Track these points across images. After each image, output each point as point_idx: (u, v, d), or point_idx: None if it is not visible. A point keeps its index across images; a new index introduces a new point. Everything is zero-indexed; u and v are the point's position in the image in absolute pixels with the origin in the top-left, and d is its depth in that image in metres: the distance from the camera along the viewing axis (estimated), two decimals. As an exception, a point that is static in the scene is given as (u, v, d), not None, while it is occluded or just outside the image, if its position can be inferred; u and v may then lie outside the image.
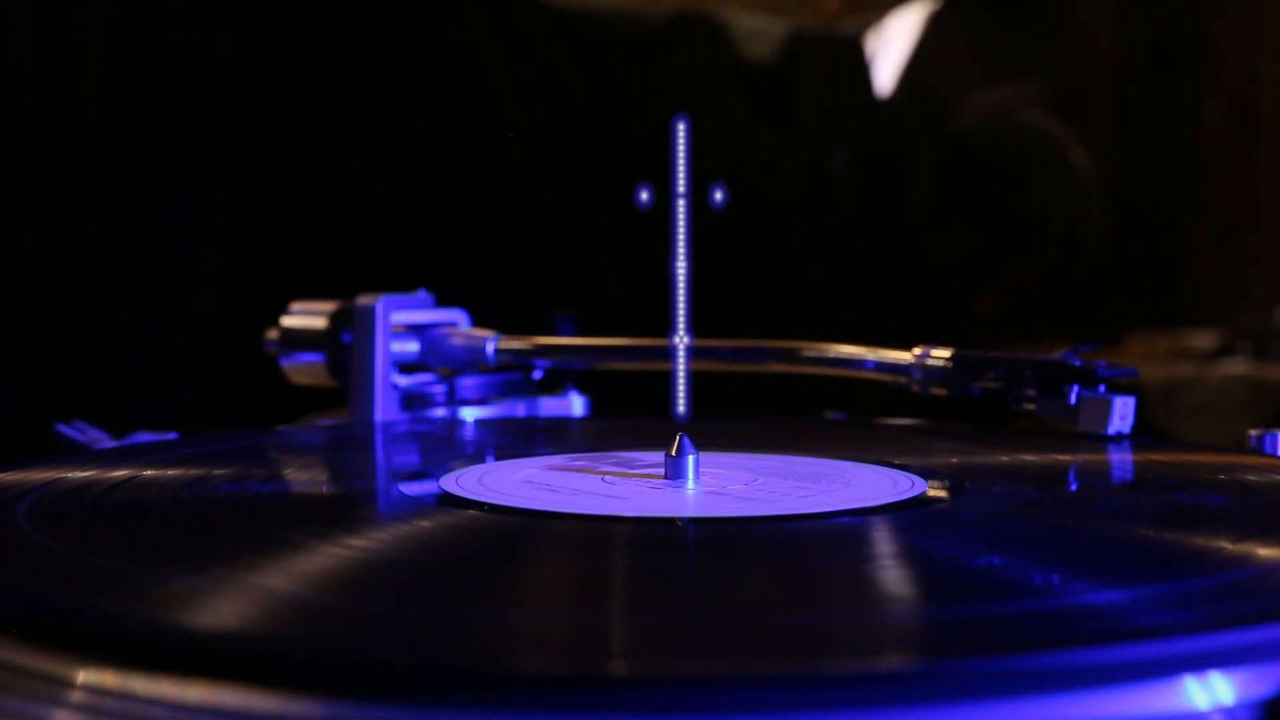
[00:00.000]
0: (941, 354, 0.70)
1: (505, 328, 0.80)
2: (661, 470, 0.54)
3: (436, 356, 0.80)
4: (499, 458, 0.60)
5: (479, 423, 0.77)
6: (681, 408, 0.55)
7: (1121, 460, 0.62)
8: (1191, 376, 1.50)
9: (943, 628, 0.34)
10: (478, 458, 0.61)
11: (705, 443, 0.55)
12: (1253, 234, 1.76)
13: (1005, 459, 0.61)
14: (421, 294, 0.80)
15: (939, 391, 0.70)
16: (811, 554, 0.43)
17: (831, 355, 0.74)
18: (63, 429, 0.69)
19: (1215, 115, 1.77)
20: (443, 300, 0.81)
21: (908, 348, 0.72)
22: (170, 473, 0.55)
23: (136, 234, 1.16)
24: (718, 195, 0.53)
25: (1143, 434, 0.67)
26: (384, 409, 0.75)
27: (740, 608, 0.37)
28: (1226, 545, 0.42)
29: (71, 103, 1.13)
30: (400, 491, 0.53)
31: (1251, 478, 0.55)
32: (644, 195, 0.53)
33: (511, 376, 0.81)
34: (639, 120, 1.29)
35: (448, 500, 0.50)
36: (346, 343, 0.77)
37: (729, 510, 0.48)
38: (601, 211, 1.39)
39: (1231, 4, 1.79)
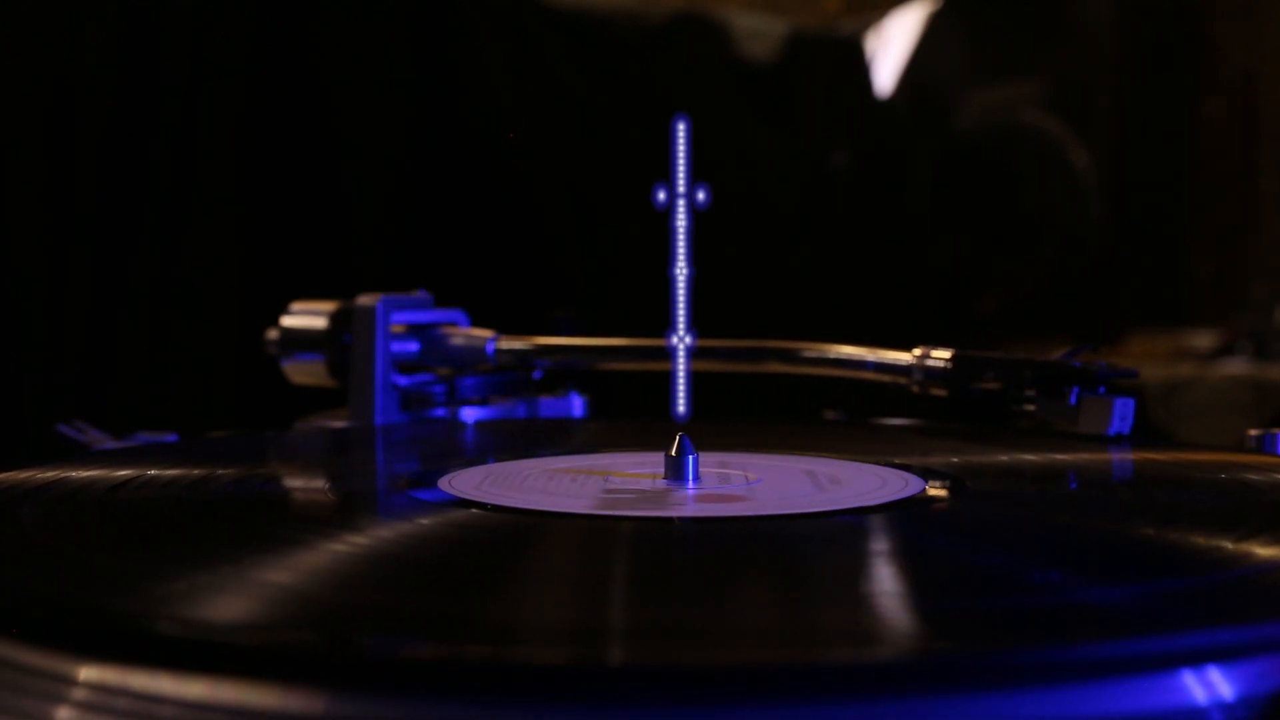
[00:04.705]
0: (941, 354, 0.70)
1: (505, 328, 0.80)
2: (661, 470, 0.54)
3: (436, 356, 0.80)
4: (499, 458, 0.60)
5: (479, 424, 0.77)
6: (681, 408, 0.55)
7: (1121, 460, 0.62)
8: (1191, 376, 1.50)
9: (942, 623, 0.34)
10: (479, 458, 0.61)
11: (705, 443, 0.55)
12: (1253, 234, 1.76)
13: (1005, 459, 0.61)
14: (421, 294, 0.80)
15: (939, 392, 0.70)
16: (811, 553, 0.43)
17: (831, 355, 0.74)
18: (63, 429, 0.69)
19: (1215, 115, 1.77)
20: (443, 300, 0.81)
21: (908, 348, 0.72)
22: (172, 472, 0.55)
23: (136, 234, 1.16)
24: (700, 195, 0.53)
25: (1143, 434, 0.67)
26: (384, 409, 0.75)
27: (739, 606, 0.37)
28: (1227, 544, 0.42)
29: (71, 103, 1.13)
30: (401, 491, 0.53)
31: (1252, 478, 0.55)
32: (661, 195, 0.53)
33: (511, 376, 0.81)
34: (639, 120, 1.29)
35: (449, 500, 0.50)
36: (347, 343, 0.77)
37: (728, 510, 0.48)
38: (601, 211, 1.39)
39: (1231, 4, 1.79)
